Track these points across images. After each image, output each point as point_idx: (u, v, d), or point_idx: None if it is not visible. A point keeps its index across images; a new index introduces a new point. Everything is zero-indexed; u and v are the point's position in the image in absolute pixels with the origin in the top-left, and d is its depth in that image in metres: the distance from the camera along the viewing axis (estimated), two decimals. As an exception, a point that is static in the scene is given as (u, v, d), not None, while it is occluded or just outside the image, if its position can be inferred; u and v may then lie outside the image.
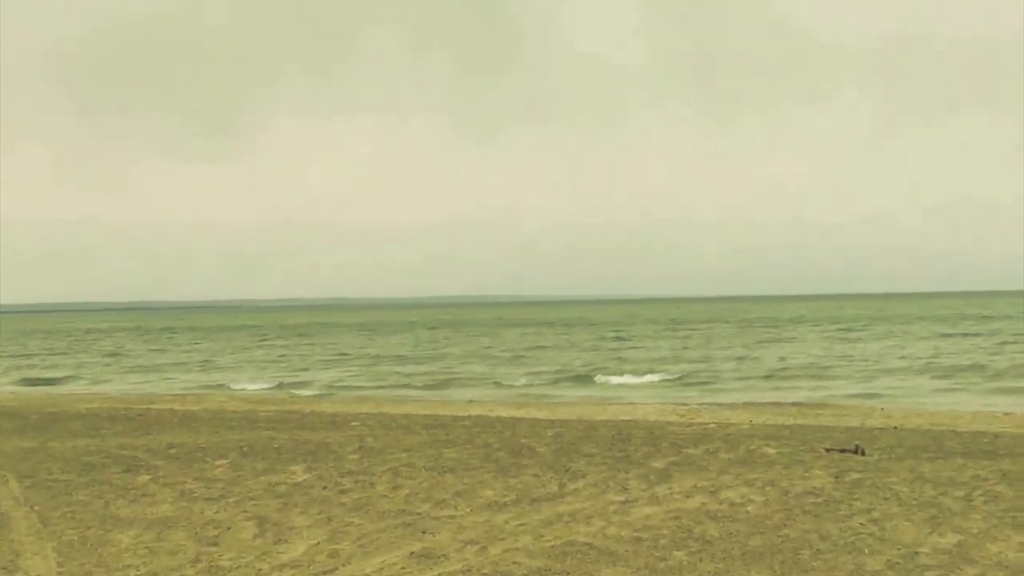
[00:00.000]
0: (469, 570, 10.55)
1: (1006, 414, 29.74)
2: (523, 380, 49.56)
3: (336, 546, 11.72)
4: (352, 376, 55.51)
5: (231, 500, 14.54)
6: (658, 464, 16.73)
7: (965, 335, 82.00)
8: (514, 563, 10.76)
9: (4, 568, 11.18)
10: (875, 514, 12.66)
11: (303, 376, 56.17)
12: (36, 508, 14.27)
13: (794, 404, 34.88)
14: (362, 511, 13.55)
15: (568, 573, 10.40)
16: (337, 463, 17.67)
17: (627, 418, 27.64)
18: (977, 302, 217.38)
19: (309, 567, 10.88)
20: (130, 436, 22.84)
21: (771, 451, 18.11)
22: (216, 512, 13.74)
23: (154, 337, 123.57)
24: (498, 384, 47.92)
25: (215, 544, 12.01)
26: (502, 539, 11.83)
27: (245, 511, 13.75)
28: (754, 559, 10.76)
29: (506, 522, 12.69)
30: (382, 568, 10.77)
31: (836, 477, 15.15)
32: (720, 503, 13.48)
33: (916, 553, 10.86)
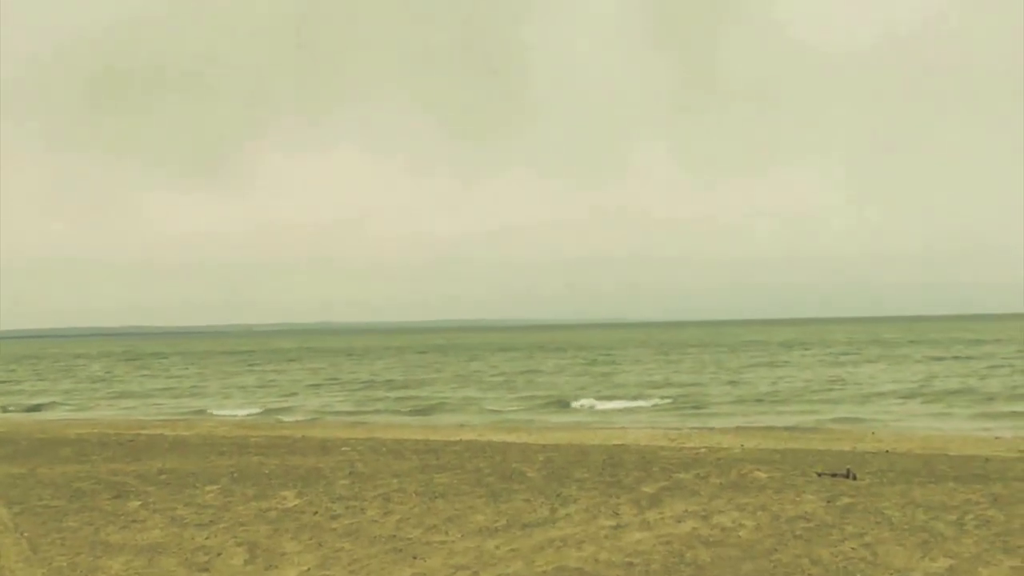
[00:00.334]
0: (460, 596, 10.52)
1: (997, 438, 29.77)
2: (511, 405, 49.51)
3: (327, 572, 11.69)
4: (340, 401, 55.42)
5: (221, 526, 14.49)
6: (649, 489, 16.71)
7: (956, 359, 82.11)
8: (506, 589, 10.74)
9: (-7, 595, 11.12)
10: (867, 539, 12.65)
11: (291, 401, 56.05)
12: (26, 534, 14.22)
13: (785, 428, 34.88)
14: (353, 536, 13.51)
15: (560, 599, 10.38)
16: (328, 488, 17.62)
17: (618, 443, 27.62)
18: (968, 326, 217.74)
19: (300, 593, 10.84)
20: (120, 462, 22.76)
21: (762, 476, 18.10)
22: (207, 538, 13.70)
23: (143, 363, 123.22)
24: (484, 410, 47.87)
25: (205, 570, 11.98)
26: (493, 565, 11.81)
27: (236, 537, 13.71)
28: (746, 584, 10.75)
29: (497, 547, 12.66)
30: (373, 594, 10.74)
31: (828, 502, 15.14)
32: (711, 528, 13.46)
33: (908, 578, 10.86)
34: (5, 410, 55.26)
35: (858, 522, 13.62)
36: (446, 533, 13.57)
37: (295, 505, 16.02)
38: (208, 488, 18.10)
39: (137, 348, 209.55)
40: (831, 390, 53.42)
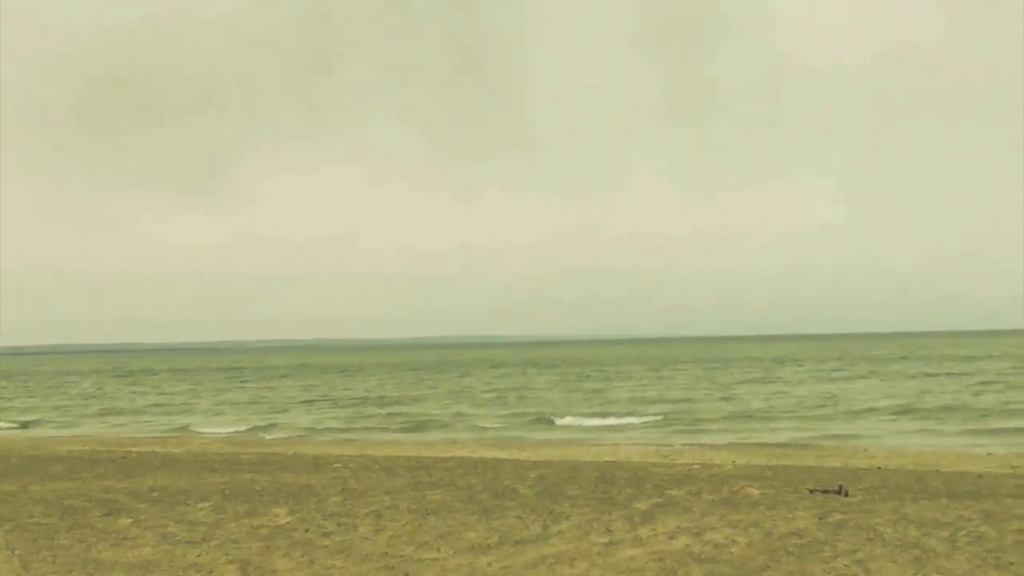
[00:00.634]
0: (453, 613, 10.51)
1: (990, 454, 29.82)
2: (496, 423, 49.49)
3: (319, 589, 11.66)
4: (331, 418, 55.37)
5: (213, 543, 14.46)
6: (642, 505, 16.69)
7: (949, 375, 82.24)
8: (498, 606, 10.72)
9: (-17, 613, 11.08)
10: (859, 555, 12.65)
11: (281, 418, 55.97)
12: (17, 552, 14.17)
13: (777, 445, 34.92)
14: (345, 553, 13.49)
15: (552, 616, 10.36)
16: (320, 505, 17.59)
17: (610, 459, 27.62)
18: (961, 342, 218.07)
19: (292, 611, 10.82)
20: (112, 479, 22.71)
21: (755, 492, 18.09)
22: (198, 555, 13.66)
23: (134, 379, 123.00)
24: (474, 426, 47.84)
25: (197, 588, 11.94)
26: (486, 582, 11.78)
27: (227, 554, 13.68)
28: (738, 601, 10.74)
29: (489, 564, 12.65)
30: (365, 611, 10.71)
31: (820, 518, 15.13)
32: (704, 544, 13.46)
33: (900, 594, 10.85)
34: None
35: (850, 538, 13.62)
36: (438, 550, 13.55)
37: (287, 522, 15.98)
38: (200, 505, 18.06)
39: (128, 364, 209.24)
40: (823, 406, 53.49)
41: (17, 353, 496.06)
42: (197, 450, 33.21)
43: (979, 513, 15.41)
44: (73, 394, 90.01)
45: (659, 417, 49.20)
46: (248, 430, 48.81)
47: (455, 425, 48.63)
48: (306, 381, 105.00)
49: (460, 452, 31.45)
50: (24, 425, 56.54)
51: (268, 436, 44.78)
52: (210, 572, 12.67)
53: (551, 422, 49.01)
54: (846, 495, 17.56)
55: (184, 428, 50.45)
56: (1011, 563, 12.09)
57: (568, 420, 49.04)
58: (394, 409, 60.41)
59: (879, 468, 23.79)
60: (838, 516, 15.28)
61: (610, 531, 14.50)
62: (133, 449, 33.66)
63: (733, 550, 13.10)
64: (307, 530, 15.20)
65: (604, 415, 51.26)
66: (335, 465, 25.27)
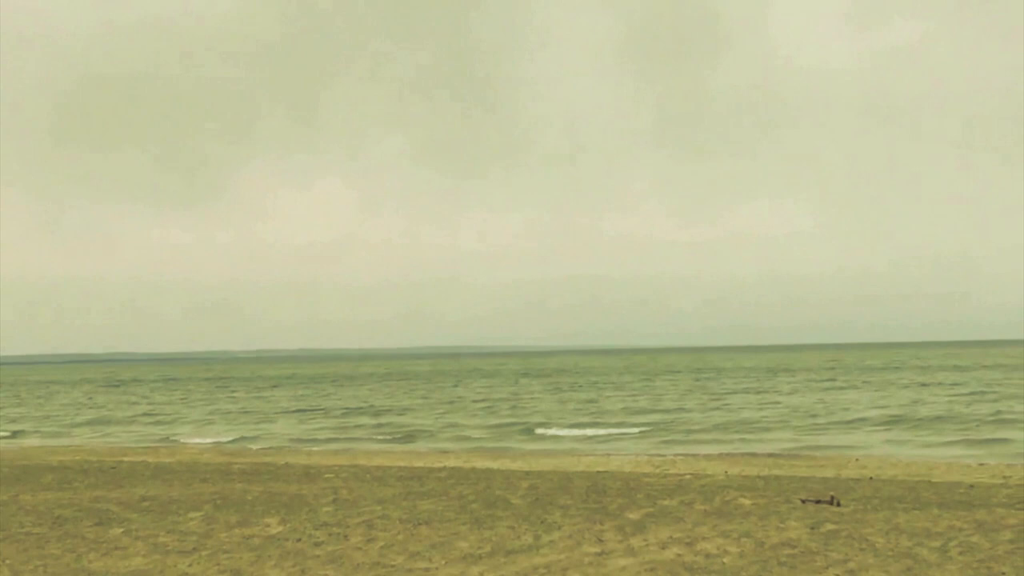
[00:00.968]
0: (445, 623, 10.48)
1: (981, 464, 29.84)
2: (477, 432, 49.46)
3: (310, 599, 11.63)
4: (321, 428, 55.29)
5: (204, 553, 14.42)
6: (633, 515, 16.69)
7: (941, 385, 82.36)
8: (490, 616, 10.70)
9: (-27, 623, 11.04)
10: (851, 565, 12.65)
11: (270, 428, 55.88)
12: (8, 562, 14.12)
13: (769, 455, 34.93)
14: (336, 563, 13.46)
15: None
16: (311, 515, 17.55)
17: (602, 469, 27.60)
18: (954, 352, 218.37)
19: (283, 621, 10.79)
20: (103, 489, 22.65)
21: (747, 502, 18.09)
22: (189, 565, 13.63)
23: (124, 389, 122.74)
24: (465, 437, 47.79)
25: (188, 598, 11.90)
26: (478, 592, 11.76)
27: (219, 564, 13.64)
28: (731, 611, 10.73)
29: (481, 574, 12.63)
30: (357, 621, 10.69)
31: (812, 528, 15.14)
32: (696, 554, 13.45)
33: (892, 604, 10.85)
34: None
35: (842, 548, 13.62)
36: (430, 560, 13.53)
37: (278, 532, 15.95)
38: (191, 515, 18.01)
39: (118, 374, 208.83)
40: (815, 416, 53.51)
41: (6, 363, 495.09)
42: (188, 460, 33.13)
43: (971, 523, 15.42)
44: (62, 404, 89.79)
45: (647, 428, 49.15)
46: (233, 440, 48.66)
47: (446, 435, 48.58)
48: (297, 391, 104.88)
49: (452, 462, 31.42)
50: (14, 435, 56.42)
51: (256, 446, 44.66)
52: (201, 582, 12.63)
53: (531, 432, 48.97)
54: (838, 505, 17.56)
55: (165, 439, 50.27)
56: (1003, 573, 12.09)
57: (551, 431, 48.92)
58: (385, 419, 60.35)
59: (871, 478, 23.80)
60: (830, 526, 15.29)
61: (602, 541, 14.48)
62: (124, 459, 33.58)
63: (725, 560, 13.09)
64: (298, 540, 15.17)
65: (583, 425, 51.25)
66: (326, 475, 25.23)
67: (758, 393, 78.33)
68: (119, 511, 18.78)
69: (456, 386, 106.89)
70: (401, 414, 64.42)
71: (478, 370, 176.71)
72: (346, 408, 72.44)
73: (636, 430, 48.30)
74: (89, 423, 64.49)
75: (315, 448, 43.09)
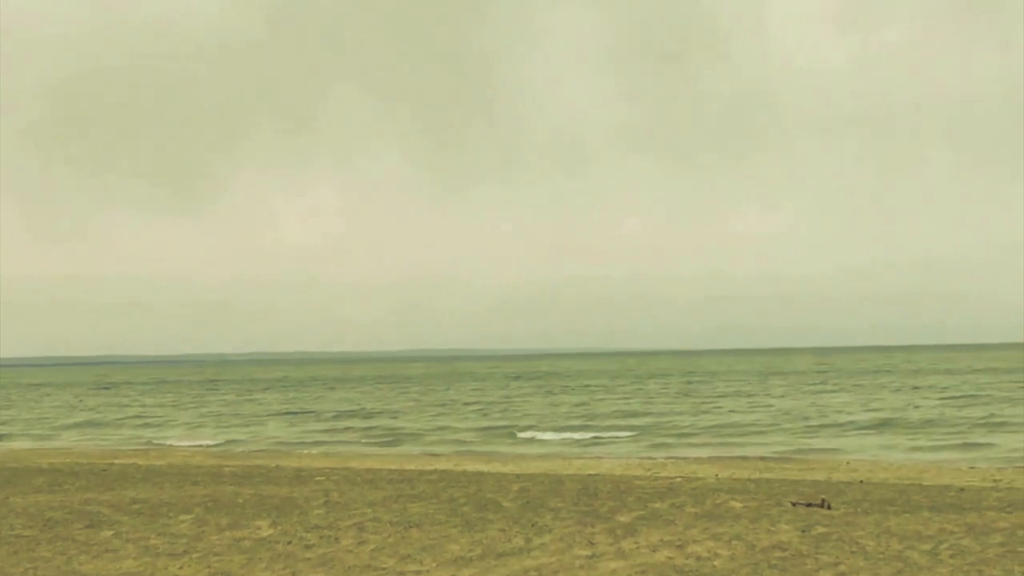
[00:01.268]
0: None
1: (972, 468, 29.90)
2: (476, 436, 49.42)
3: (301, 602, 11.62)
4: (312, 431, 55.23)
5: (195, 556, 14.40)
6: (624, 518, 16.69)
7: (932, 388, 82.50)
8: (481, 619, 10.69)
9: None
10: (842, 568, 12.67)
11: (260, 431, 55.80)
12: (-4, 564, 14.09)
13: (760, 458, 34.97)
14: (327, 566, 13.45)
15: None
16: (302, 518, 17.54)
17: (593, 472, 27.61)
18: (945, 355, 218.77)
19: (274, 623, 10.77)
20: (93, 491, 22.60)
21: (737, 505, 18.11)
22: (180, 568, 13.61)
23: (115, 391, 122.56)
24: (456, 440, 47.76)
25: (178, 600, 11.88)
26: (469, 594, 11.76)
27: (209, 567, 13.62)
28: (721, 614, 10.73)
29: (473, 577, 12.62)
30: (347, 624, 10.68)
31: (802, 531, 15.16)
32: (687, 557, 13.46)
33: (883, 607, 10.86)
34: None
35: (833, 551, 13.64)
36: (421, 563, 13.52)
37: (269, 535, 15.93)
38: (182, 518, 17.99)
39: (109, 377, 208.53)
40: (806, 419, 53.57)
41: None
42: (179, 463, 33.09)
43: (962, 526, 15.45)
44: (53, 406, 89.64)
45: (636, 432, 49.10)
46: (221, 444, 48.55)
47: (437, 438, 48.55)
48: (288, 394, 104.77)
49: (443, 465, 31.41)
50: (2, 437, 56.31)
51: (246, 449, 44.60)
52: (192, 585, 12.61)
53: (513, 435, 48.92)
54: (829, 508, 17.58)
55: (149, 441, 50.17)
56: (993, 576, 12.12)
57: (546, 435, 48.85)
58: (376, 422, 60.32)
59: (861, 481, 23.84)
60: (821, 529, 15.31)
61: (593, 544, 14.49)
62: (115, 461, 33.53)
63: (716, 563, 13.10)
64: (289, 542, 15.16)
65: (573, 428, 51.23)
66: (317, 478, 25.21)
67: (749, 396, 78.38)
68: (110, 514, 18.74)
69: (448, 389, 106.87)
70: (393, 417, 64.38)
71: (469, 373, 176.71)
72: (337, 411, 72.36)
73: (627, 433, 48.28)
74: (79, 425, 64.38)
75: (306, 451, 43.04)
